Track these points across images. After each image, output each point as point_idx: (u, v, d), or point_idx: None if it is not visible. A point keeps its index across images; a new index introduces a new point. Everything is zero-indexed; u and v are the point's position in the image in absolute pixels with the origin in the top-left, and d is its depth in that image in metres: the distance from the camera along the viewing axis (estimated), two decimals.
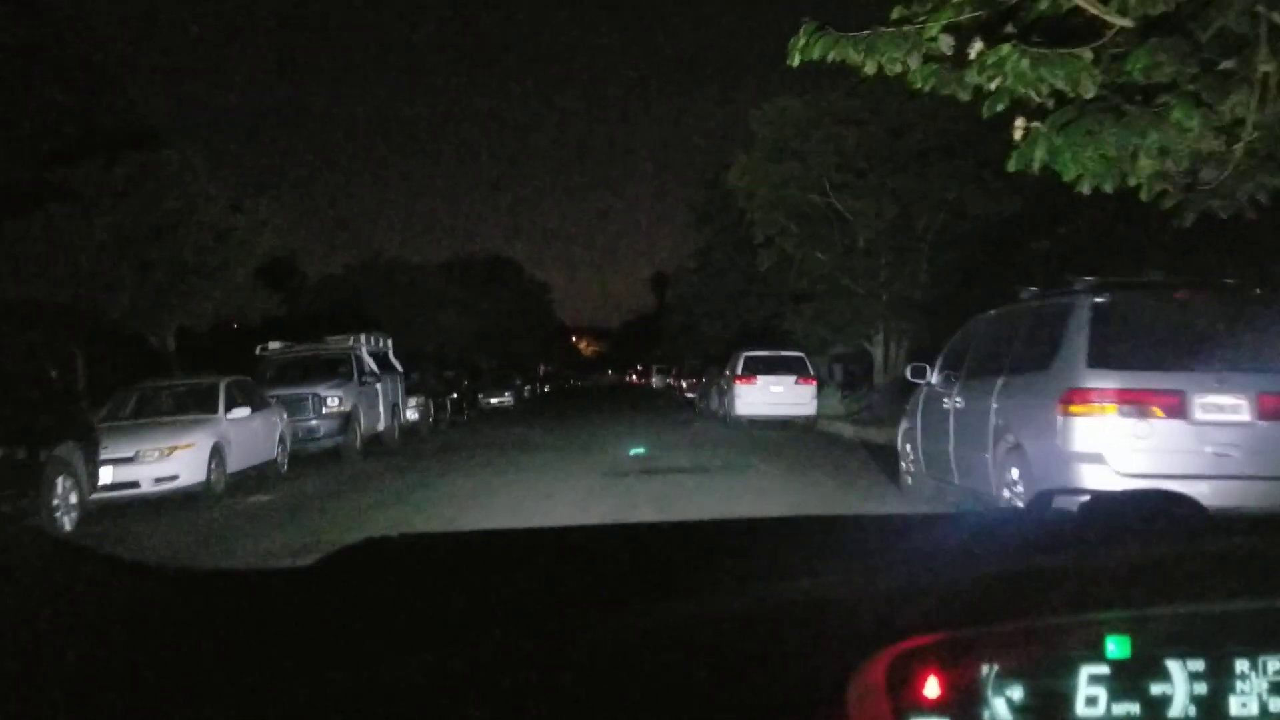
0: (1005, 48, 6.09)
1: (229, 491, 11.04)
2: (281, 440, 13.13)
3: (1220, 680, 0.89)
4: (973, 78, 6.55)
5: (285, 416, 13.57)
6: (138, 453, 10.07)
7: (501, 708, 0.76)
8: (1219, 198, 7.03)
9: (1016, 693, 0.86)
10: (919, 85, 6.92)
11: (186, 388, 11.97)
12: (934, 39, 6.51)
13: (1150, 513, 1.11)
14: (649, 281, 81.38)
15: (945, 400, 8.23)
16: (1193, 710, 0.88)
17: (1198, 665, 0.88)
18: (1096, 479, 5.94)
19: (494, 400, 33.02)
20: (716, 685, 0.78)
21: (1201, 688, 0.88)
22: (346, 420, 15.13)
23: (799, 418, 19.83)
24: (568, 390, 64.10)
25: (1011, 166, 6.62)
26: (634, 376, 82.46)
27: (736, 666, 0.79)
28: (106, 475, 9.69)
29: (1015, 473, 6.77)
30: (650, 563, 1.10)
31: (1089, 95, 5.95)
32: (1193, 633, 0.89)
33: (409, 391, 19.75)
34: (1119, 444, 6.08)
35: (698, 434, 18.79)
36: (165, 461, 10.13)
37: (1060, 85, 6.01)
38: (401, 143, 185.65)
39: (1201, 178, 6.86)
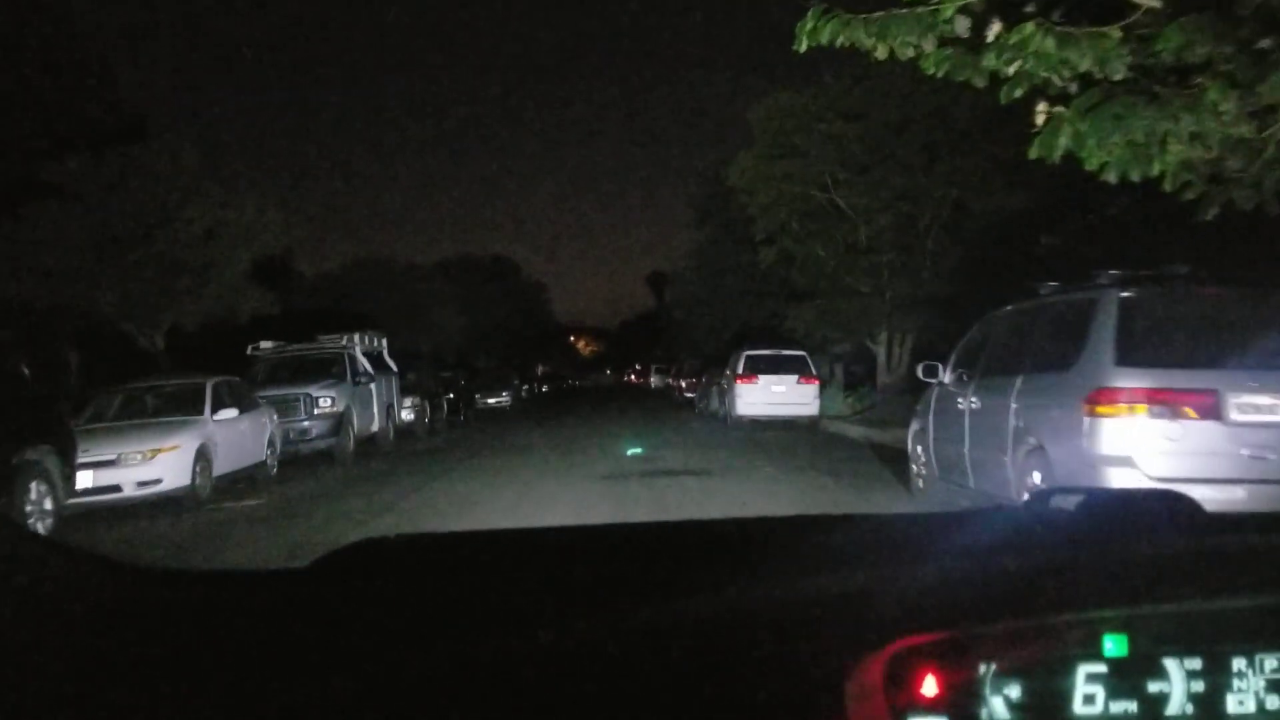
0: (1028, 27, 5.76)
1: (215, 496, 10.69)
2: (271, 442, 12.77)
3: (1217, 678, 0.89)
4: (990, 62, 6.23)
5: (276, 418, 13.23)
6: (119, 455, 9.73)
7: (501, 708, 0.76)
8: (1244, 188, 6.71)
9: (1014, 691, 0.86)
10: (932, 70, 6.60)
11: (172, 388, 11.61)
12: (949, 20, 6.19)
13: (1147, 511, 1.11)
14: (647, 281, 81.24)
15: (959, 400, 7.90)
16: (1190, 708, 0.88)
17: (1195, 663, 0.89)
18: (1125, 483, 5.62)
19: (491, 400, 32.75)
20: (715, 684, 0.78)
21: (1199, 686, 0.89)
22: (339, 421, 14.83)
23: (801, 418, 19.60)
24: (566, 390, 63.76)
25: (1033, 154, 6.28)
26: (632, 376, 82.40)
27: (735, 665, 0.79)
28: (87, 479, 9.35)
29: (1037, 476, 6.44)
30: (648, 562, 1.08)
31: (1118, 77, 5.61)
32: (1190, 631, 0.89)
33: (404, 392, 19.49)
34: (1149, 446, 5.75)
35: (699, 434, 18.54)
36: (148, 465, 9.78)
37: (1087, 67, 5.68)
38: (400, 142, 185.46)
39: (1227, 167, 6.54)
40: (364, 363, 16.85)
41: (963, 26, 6.15)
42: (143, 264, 17.85)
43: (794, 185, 20.79)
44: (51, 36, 19.87)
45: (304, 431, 14.39)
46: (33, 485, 7.97)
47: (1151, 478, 5.72)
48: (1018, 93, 6.35)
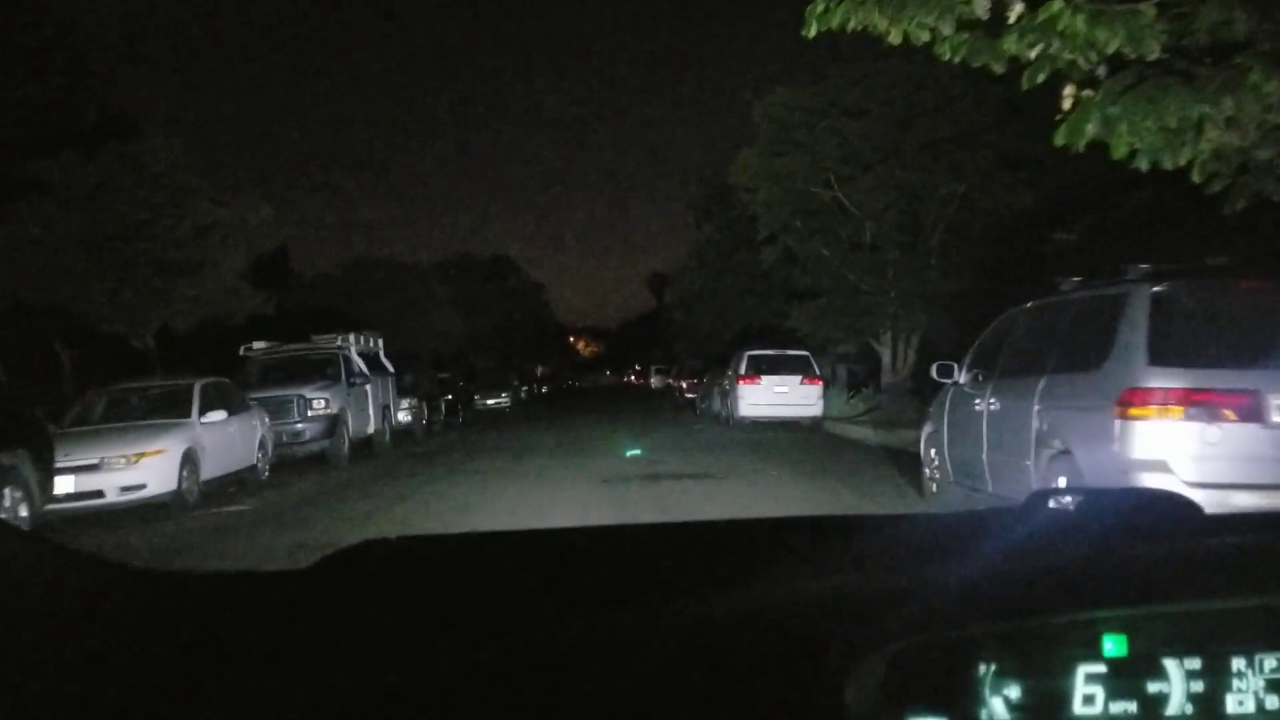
0: (1056, 5, 5.43)
1: (203, 501, 10.33)
2: (263, 445, 12.42)
3: (1217, 678, 0.89)
4: (1011, 45, 5.91)
5: (267, 420, 12.88)
6: (102, 460, 9.38)
7: (502, 709, 0.76)
8: (1274, 179, 6.38)
9: (1014, 691, 0.86)
10: (948, 56, 6.29)
11: (159, 390, 11.26)
12: (968, 1, 5.88)
13: (1146, 512, 1.10)
14: (647, 282, 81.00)
15: (976, 402, 7.56)
16: (1189, 708, 0.88)
17: (1194, 663, 0.88)
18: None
19: (490, 401, 32.46)
20: (715, 685, 0.78)
21: (1198, 686, 0.88)
22: (334, 423, 14.50)
23: (804, 419, 19.34)
24: (566, 391, 63.42)
25: (1059, 140, 5.94)
26: (632, 377, 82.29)
27: (735, 666, 0.79)
28: (68, 484, 9.02)
29: (1062, 482, 6.10)
30: (648, 563, 1.08)
31: (1152, 57, 5.27)
32: (1189, 631, 0.89)
33: (401, 393, 19.19)
34: (1186, 450, 5.41)
35: (700, 436, 18.27)
36: (132, 469, 9.42)
37: (1118, 47, 5.34)
38: (400, 140, 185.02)
39: (1256, 156, 6.20)
40: (359, 363, 16.52)
41: (982, 7, 5.84)
42: (130, 263, 17.46)
43: (797, 182, 20.48)
44: (42, 33, 19.54)
45: (297, 434, 14.08)
46: (6, 491, 7.62)
47: (1188, 483, 5.38)
48: (1040, 78, 6.04)
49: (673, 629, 0.82)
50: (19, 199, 16.48)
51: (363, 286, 34.35)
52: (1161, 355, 5.55)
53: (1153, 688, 0.88)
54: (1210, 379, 5.44)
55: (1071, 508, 1.14)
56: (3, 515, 7.55)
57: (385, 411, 17.41)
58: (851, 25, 6.24)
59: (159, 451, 9.69)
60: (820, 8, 6.24)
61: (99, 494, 9.31)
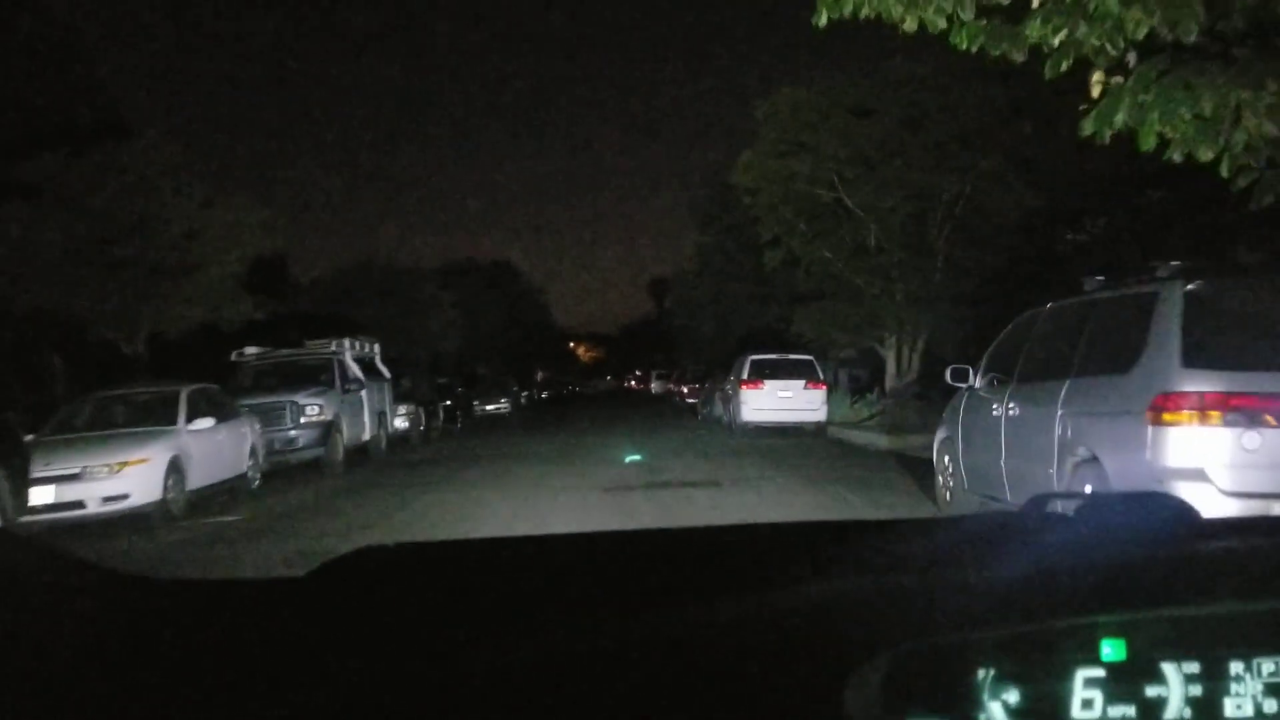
0: None
1: (190, 511, 9.99)
2: (253, 453, 12.08)
3: (1215, 683, 0.88)
4: (1035, 30, 5.60)
5: (259, 427, 12.55)
6: (84, 469, 9.04)
7: (501, 716, 0.76)
8: None
9: (1012, 696, 0.86)
10: (964, 45, 5.99)
11: (145, 397, 10.91)
12: None
13: (1144, 515, 1.07)
14: (647, 287, 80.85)
15: (994, 407, 7.23)
16: (1188, 712, 0.88)
17: (1193, 668, 0.88)
18: (1198, 499, 4.93)
19: (490, 407, 32.17)
20: (714, 688, 0.78)
21: (1197, 690, 0.88)
22: (328, 430, 14.17)
23: (808, 423, 19.05)
24: (566, 396, 63.10)
25: (1087, 130, 5.62)
26: (633, 382, 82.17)
27: (735, 669, 0.79)
28: (48, 495, 8.70)
29: (1089, 490, 5.76)
30: (647, 569, 1.06)
31: (1190, 39, 4.94)
32: (1188, 635, 0.88)
33: (399, 399, 18.93)
34: (1223, 458, 5.08)
35: (703, 442, 17.93)
36: (115, 479, 9.08)
37: (1151, 28, 5.02)
38: (400, 145, 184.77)
39: None
40: (354, 369, 16.18)
41: None
42: (118, 266, 17.11)
43: (800, 184, 20.20)
44: (32, 32, 19.25)
45: (290, 441, 13.75)
46: None
47: (1225, 492, 5.07)
48: (1064, 66, 5.72)
49: (672, 634, 0.81)
50: (5, 201, 16.15)
51: (363, 292, 34.04)
52: (1196, 357, 5.22)
53: (1151, 692, 0.88)
54: (1249, 382, 5.11)
55: (1070, 512, 1.14)
56: None
57: (381, 418, 17.11)
58: (865, 12, 5.94)
59: (143, 460, 9.35)
60: None
61: (79, 504, 8.97)
